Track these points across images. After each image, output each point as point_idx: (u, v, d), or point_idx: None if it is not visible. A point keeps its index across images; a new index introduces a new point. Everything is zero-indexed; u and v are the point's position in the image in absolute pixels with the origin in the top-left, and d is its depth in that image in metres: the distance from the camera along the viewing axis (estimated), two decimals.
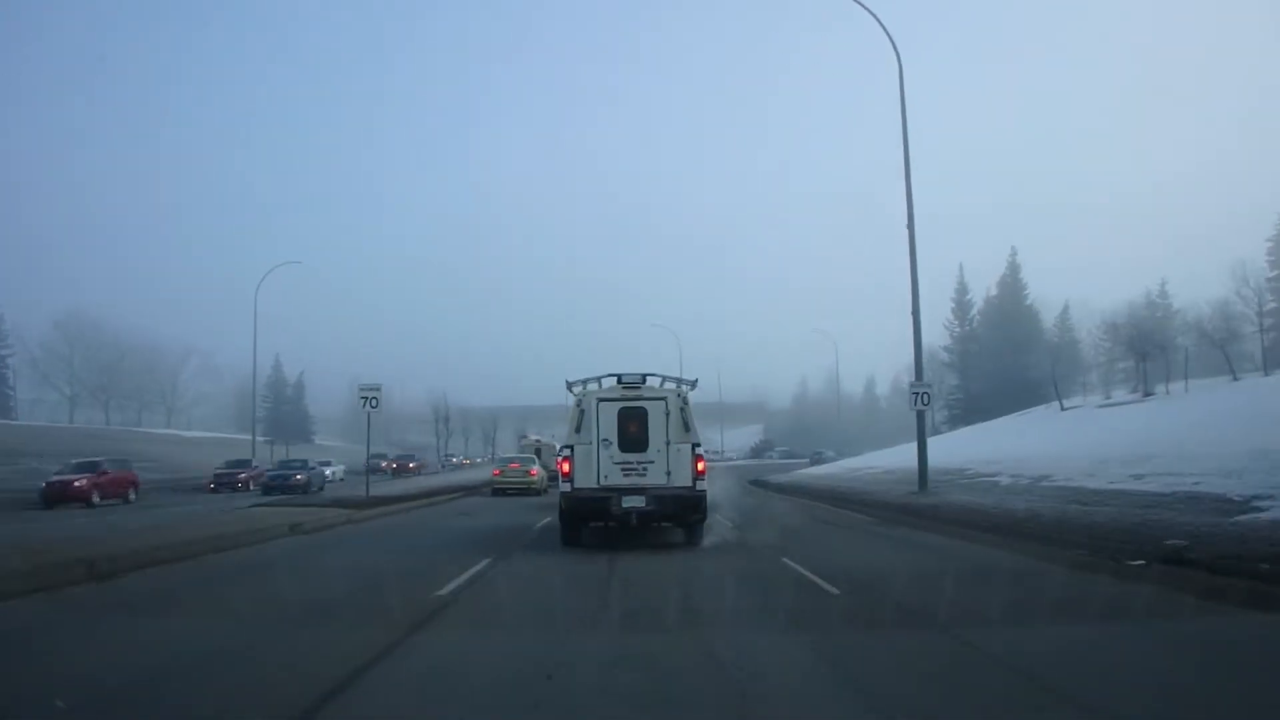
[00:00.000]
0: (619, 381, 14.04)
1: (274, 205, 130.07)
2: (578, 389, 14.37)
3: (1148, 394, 42.26)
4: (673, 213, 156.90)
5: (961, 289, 68.94)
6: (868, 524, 18.23)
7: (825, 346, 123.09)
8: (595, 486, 13.47)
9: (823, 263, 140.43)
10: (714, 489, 16.74)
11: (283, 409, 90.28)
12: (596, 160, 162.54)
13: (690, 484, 13.35)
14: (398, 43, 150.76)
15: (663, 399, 13.72)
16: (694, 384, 14.51)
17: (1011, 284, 67.08)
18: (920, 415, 23.81)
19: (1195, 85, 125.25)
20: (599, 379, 14.33)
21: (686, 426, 13.61)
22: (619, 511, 13.23)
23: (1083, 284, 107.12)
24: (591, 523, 13.72)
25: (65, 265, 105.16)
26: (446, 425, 67.05)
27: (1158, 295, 61.27)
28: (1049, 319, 67.45)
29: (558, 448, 15.97)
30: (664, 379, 14.32)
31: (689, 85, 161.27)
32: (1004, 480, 23.51)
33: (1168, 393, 41.14)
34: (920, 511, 18.76)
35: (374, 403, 22.90)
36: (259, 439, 64.46)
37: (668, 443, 13.43)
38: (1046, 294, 67.73)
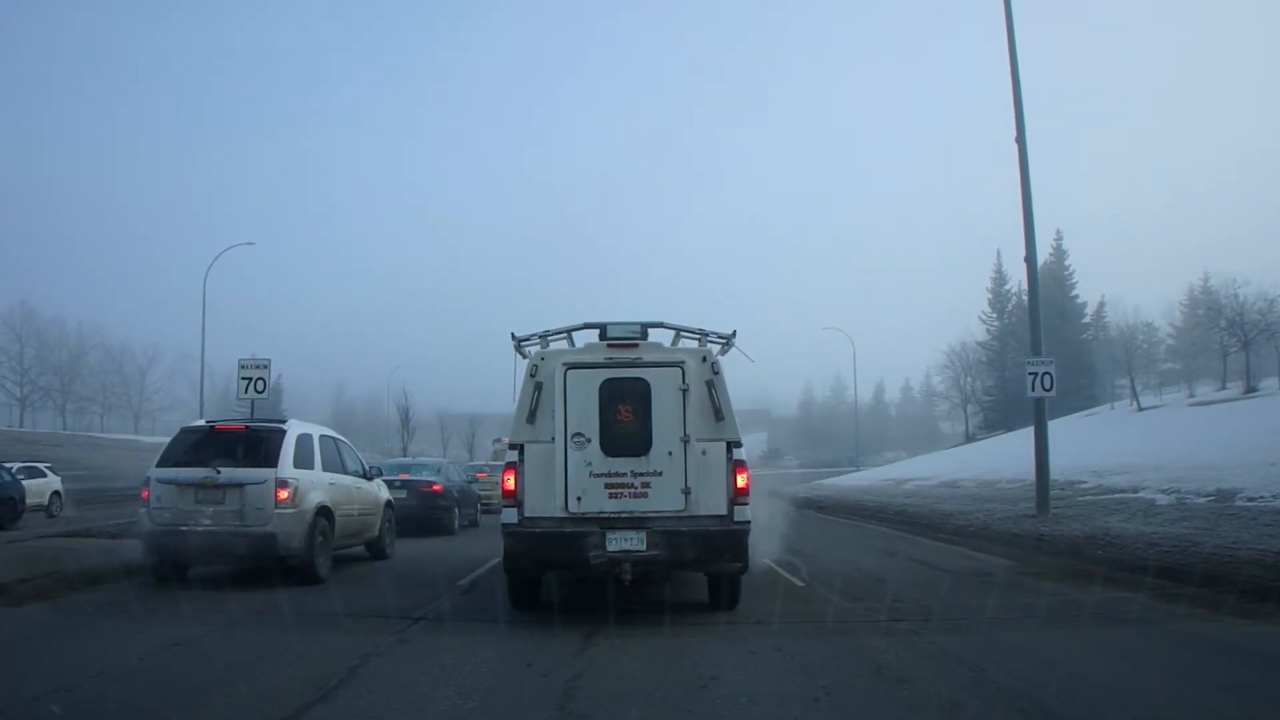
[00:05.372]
0: (602, 336, 8.01)
1: (259, 211, 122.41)
2: (533, 348, 8.24)
3: (1251, 390, 35.37)
4: (671, 217, 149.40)
5: (999, 278, 62.34)
6: (1013, 573, 11.19)
7: (831, 351, 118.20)
8: (561, 515, 7.62)
9: (827, 266, 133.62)
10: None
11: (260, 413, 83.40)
12: (591, 162, 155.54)
13: (724, 510, 7.67)
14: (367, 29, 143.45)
15: (677, 365, 7.88)
16: (729, 340, 8.49)
17: (1056, 272, 60.15)
18: (1040, 404, 16.86)
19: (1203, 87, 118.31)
20: (568, 331, 8.27)
21: (718, 413, 7.82)
22: (601, 560, 7.44)
23: (1103, 284, 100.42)
24: (556, 571, 8.28)
25: (15, 256, 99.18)
26: (407, 426, 60.34)
27: (1200, 291, 55.44)
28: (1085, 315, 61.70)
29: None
30: (678, 332, 8.29)
31: (680, 89, 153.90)
32: (1159, 498, 16.57)
33: None
34: (1081, 552, 11.85)
35: (260, 385, 16.18)
36: None
37: (685, 440, 7.69)
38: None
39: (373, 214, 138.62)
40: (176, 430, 10.72)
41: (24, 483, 22.40)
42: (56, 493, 24.37)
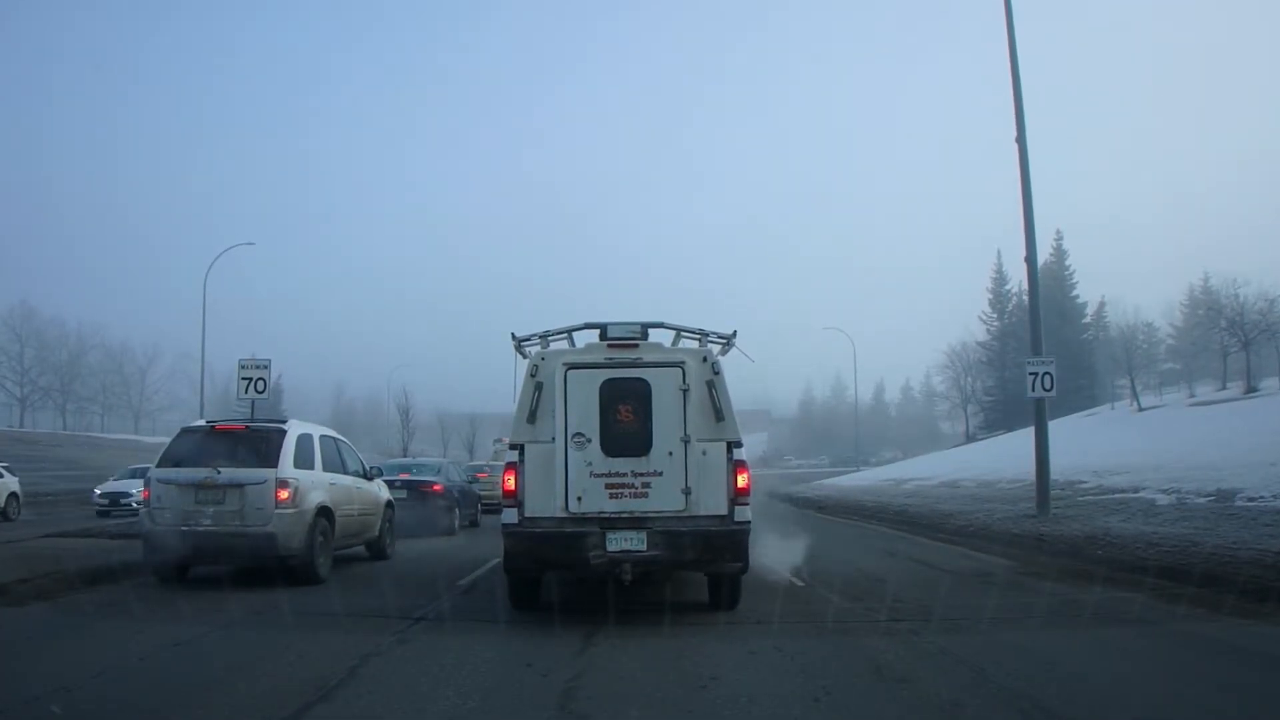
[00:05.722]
0: (603, 336, 7.97)
1: (259, 211, 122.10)
2: (533, 348, 8.21)
3: (1251, 390, 35.35)
4: (671, 217, 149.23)
5: (1000, 278, 62.33)
6: (1013, 573, 11.19)
7: (831, 351, 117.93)
8: (561, 515, 7.59)
9: (827, 266, 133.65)
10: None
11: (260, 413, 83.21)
12: (591, 162, 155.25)
13: (725, 511, 7.65)
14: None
15: (677, 365, 7.84)
16: (730, 340, 8.45)
17: (1056, 272, 60.03)
18: (1040, 404, 16.86)
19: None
20: (569, 331, 8.23)
21: (718, 413, 7.80)
22: (601, 560, 7.43)
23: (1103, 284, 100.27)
24: (556, 571, 8.23)
25: (15, 256, 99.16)
26: (407, 426, 60.34)
27: (1200, 291, 55.44)
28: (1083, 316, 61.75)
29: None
30: (679, 332, 8.25)
31: (680, 89, 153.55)
32: (1159, 498, 16.57)
33: None
34: (1081, 552, 11.83)
35: (260, 385, 16.17)
36: None
37: (685, 440, 7.65)
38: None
39: (373, 214, 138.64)
40: (177, 430, 10.70)
41: None
42: (14, 494, 23.04)
